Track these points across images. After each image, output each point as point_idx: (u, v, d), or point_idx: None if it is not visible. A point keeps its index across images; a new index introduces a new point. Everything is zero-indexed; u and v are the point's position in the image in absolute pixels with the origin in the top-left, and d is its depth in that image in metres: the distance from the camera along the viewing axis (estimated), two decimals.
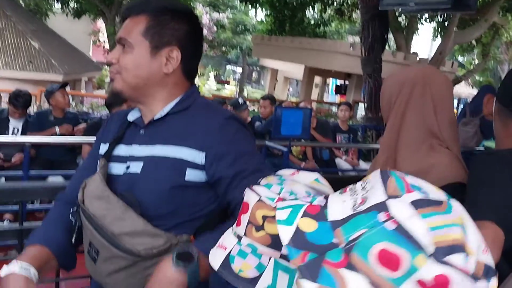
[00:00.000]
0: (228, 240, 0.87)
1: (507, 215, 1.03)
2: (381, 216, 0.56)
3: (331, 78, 21.44)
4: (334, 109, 14.33)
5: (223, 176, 1.20)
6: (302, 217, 0.60)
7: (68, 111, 4.79)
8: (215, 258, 0.85)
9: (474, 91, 18.92)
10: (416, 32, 15.87)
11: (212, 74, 33.58)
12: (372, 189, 0.61)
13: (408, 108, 1.40)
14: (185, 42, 1.30)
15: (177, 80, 1.32)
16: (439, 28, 16.69)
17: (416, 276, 0.54)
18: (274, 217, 0.79)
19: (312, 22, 19.36)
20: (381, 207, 0.57)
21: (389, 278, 0.54)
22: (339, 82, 18.53)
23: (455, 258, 0.54)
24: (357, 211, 0.58)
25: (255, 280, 0.80)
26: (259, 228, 0.82)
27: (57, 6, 16.87)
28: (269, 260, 0.82)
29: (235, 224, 0.88)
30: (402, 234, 0.54)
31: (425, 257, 0.54)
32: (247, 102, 6.53)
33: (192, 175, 1.22)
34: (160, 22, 1.27)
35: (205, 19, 22.22)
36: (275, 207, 0.81)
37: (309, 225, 0.59)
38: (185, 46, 1.30)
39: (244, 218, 0.85)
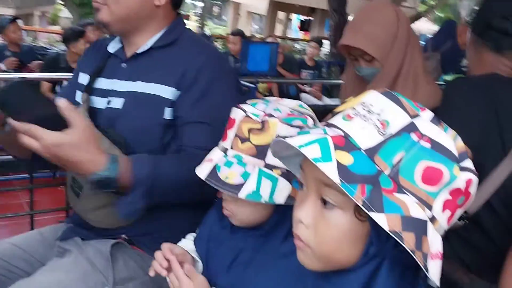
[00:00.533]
0: (214, 154, 0.93)
1: (474, 133, 1.12)
2: (414, 137, 0.58)
3: (294, 14, 21.06)
4: (297, 46, 14.17)
5: (182, 116, 1.19)
6: (335, 150, 0.57)
7: (24, 44, 4.59)
8: (202, 170, 0.90)
9: (435, 27, 19.09)
10: None
11: None
12: (386, 111, 0.61)
13: (409, 47, 1.44)
14: None
15: (166, 12, 1.27)
16: None
17: (452, 186, 0.58)
18: (259, 129, 0.88)
19: None
20: (411, 128, 0.59)
21: (430, 192, 0.58)
22: (303, 18, 18.24)
23: (469, 163, 0.60)
24: (388, 135, 0.59)
25: (240, 186, 0.86)
26: (245, 140, 0.89)
27: None
28: (254, 168, 0.88)
29: (221, 140, 0.94)
30: (438, 150, 0.58)
31: (458, 167, 0.58)
32: None
33: (171, 113, 1.21)
34: None
35: None
36: (262, 121, 0.89)
37: (346, 158, 0.57)
38: None
39: (230, 133, 0.91)
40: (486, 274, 1.13)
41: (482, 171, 1.21)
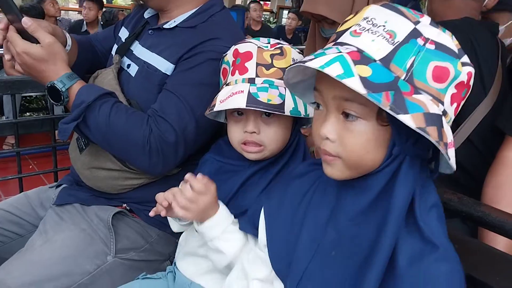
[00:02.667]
0: (241, 86, 0.96)
1: None
2: (420, 41, 0.63)
3: None
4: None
5: (165, 83, 1.20)
6: (355, 65, 0.61)
7: None
8: (238, 101, 0.92)
9: None
10: None
11: None
12: (390, 22, 0.65)
13: None
14: None
15: None
16: None
17: (457, 80, 0.64)
18: (279, 54, 0.96)
19: None
20: (416, 33, 0.64)
21: (440, 89, 0.63)
22: None
23: (467, 58, 0.66)
24: (397, 43, 0.63)
25: (282, 105, 0.93)
26: (270, 66, 0.96)
27: None
28: (285, 90, 0.95)
29: (237, 74, 0.98)
30: (442, 49, 0.63)
31: (460, 62, 0.64)
32: None
33: None
34: None
35: None
36: (279, 47, 0.98)
37: (365, 71, 0.60)
38: None
39: (250, 64, 0.96)
40: None
41: (464, 113, 1.27)
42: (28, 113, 4.53)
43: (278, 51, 0.98)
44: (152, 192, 1.05)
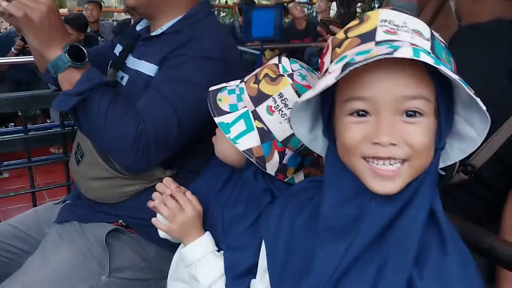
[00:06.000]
0: (234, 82, 0.97)
1: (485, 92, 1.06)
2: (439, 38, 0.67)
3: None
4: (305, 10, 13.91)
5: (150, 83, 1.18)
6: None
7: None
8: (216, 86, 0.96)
9: None
10: None
11: None
12: (409, 23, 0.65)
13: None
14: None
15: None
16: None
17: None
18: (272, 78, 0.91)
19: None
20: (432, 32, 0.67)
21: None
22: None
23: None
24: (430, 39, 0.65)
25: (223, 112, 0.91)
26: (257, 81, 0.92)
27: None
28: (243, 107, 0.92)
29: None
30: (446, 46, 0.68)
31: None
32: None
33: None
34: None
35: None
36: (279, 74, 0.91)
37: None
38: None
39: (255, 72, 0.96)
40: (496, 223, 1.11)
41: (492, 125, 1.15)
42: None
43: (274, 76, 0.92)
44: (149, 209, 1.03)
